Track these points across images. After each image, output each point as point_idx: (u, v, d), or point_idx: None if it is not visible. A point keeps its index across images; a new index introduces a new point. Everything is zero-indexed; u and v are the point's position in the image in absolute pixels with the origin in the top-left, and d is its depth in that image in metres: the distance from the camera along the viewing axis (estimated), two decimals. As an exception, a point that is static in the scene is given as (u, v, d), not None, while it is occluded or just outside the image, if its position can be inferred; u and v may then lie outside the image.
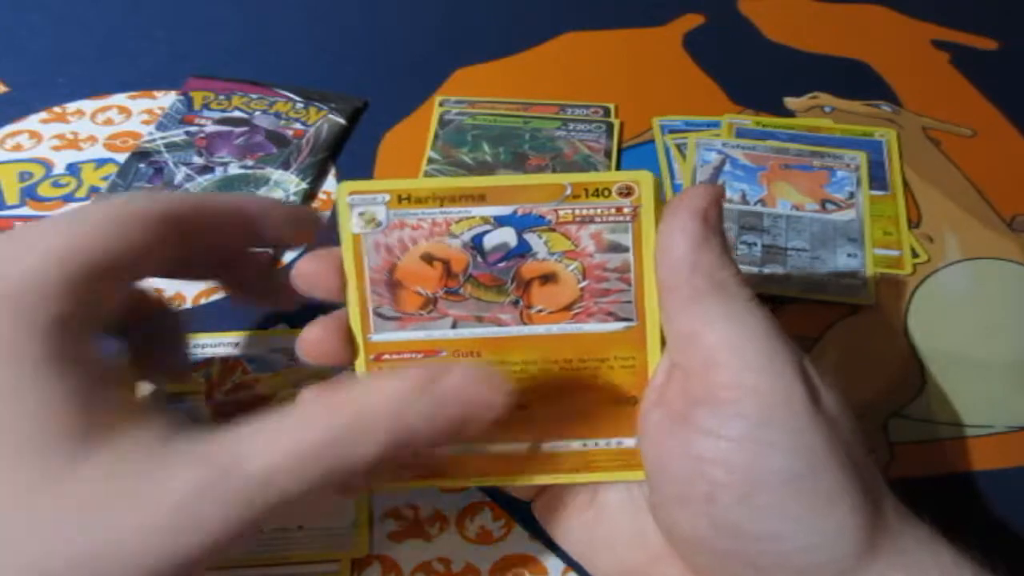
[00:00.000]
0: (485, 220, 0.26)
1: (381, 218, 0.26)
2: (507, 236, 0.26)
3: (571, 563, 0.34)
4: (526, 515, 0.35)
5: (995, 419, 0.39)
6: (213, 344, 0.41)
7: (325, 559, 0.34)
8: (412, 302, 0.27)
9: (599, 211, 0.26)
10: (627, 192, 0.26)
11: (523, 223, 0.26)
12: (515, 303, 0.27)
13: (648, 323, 0.26)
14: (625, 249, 0.26)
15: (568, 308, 0.27)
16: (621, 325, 0.27)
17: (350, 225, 0.26)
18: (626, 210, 0.26)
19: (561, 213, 0.26)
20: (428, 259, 0.26)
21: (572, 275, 0.26)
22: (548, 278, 0.26)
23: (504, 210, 0.26)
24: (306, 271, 0.27)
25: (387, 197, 0.26)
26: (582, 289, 0.26)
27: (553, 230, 0.26)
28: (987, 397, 0.40)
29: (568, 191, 0.26)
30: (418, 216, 0.26)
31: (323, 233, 0.28)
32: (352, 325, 0.27)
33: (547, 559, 0.35)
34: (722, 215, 0.25)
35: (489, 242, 0.26)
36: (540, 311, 0.27)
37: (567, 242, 0.26)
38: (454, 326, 0.27)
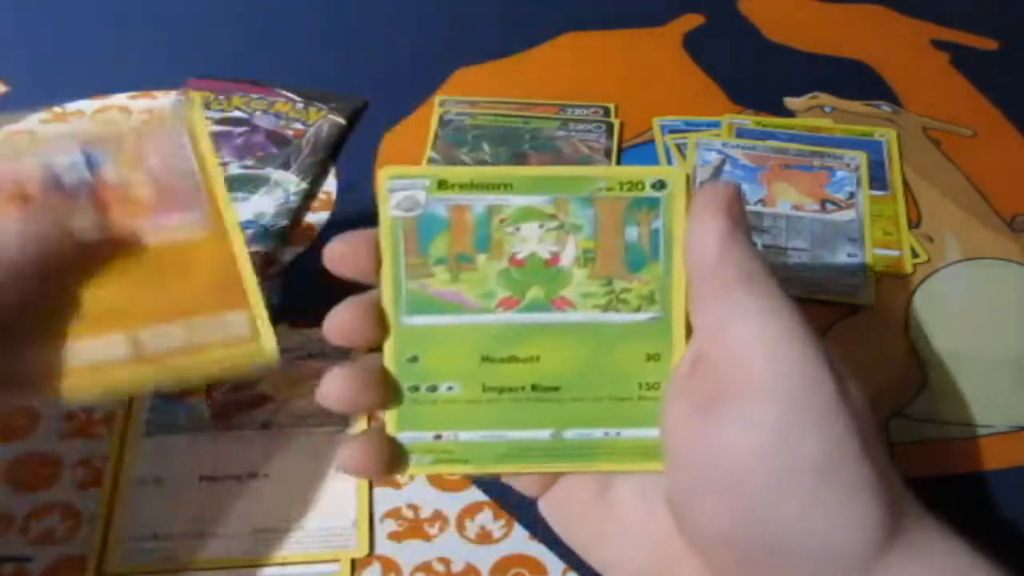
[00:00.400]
0: (526, 211, 0.27)
1: (421, 202, 0.26)
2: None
3: (571, 563, 0.34)
4: (526, 515, 0.35)
5: (996, 419, 0.39)
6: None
7: (325, 559, 0.34)
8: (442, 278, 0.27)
9: (632, 204, 0.26)
10: (660, 187, 0.26)
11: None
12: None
13: (675, 315, 0.27)
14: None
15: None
16: (648, 316, 0.27)
17: (389, 209, 0.26)
18: (658, 204, 0.26)
19: (596, 204, 0.27)
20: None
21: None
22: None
23: (540, 199, 0.26)
24: (338, 251, 0.27)
25: (427, 182, 0.26)
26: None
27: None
28: (988, 397, 0.40)
29: (603, 183, 0.26)
30: (457, 202, 0.26)
31: (353, 216, 0.28)
32: (385, 307, 0.27)
33: (547, 559, 0.35)
34: (744, 208, 0.26)
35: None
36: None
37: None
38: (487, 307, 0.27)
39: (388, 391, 0.27)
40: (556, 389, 0.27)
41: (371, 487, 0.37)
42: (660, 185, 0.26)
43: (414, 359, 0.27)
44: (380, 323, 0.27)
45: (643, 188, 0.26)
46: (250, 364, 0.30)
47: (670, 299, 0.27)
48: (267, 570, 0.34)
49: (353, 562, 0.35)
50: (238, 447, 0.37)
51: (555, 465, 0.28)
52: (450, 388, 0.27)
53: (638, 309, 0.27)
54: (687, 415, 0.25)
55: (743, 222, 0.25)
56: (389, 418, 0.28)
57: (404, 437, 0.28)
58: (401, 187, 0.27)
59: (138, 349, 0.29)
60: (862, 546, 0.23)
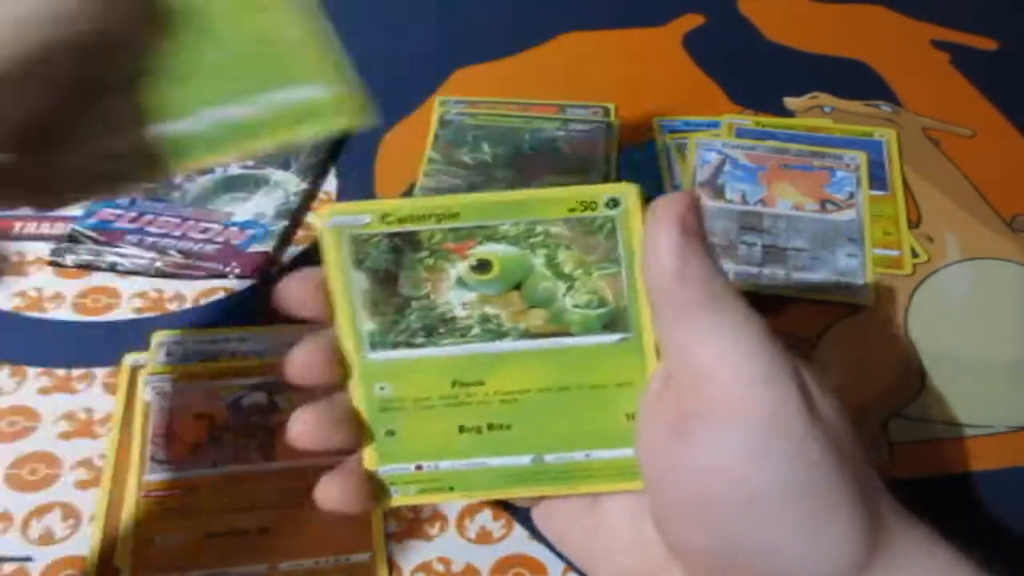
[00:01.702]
0: (471, 235, 0.26)
1: (366, 237, 0.26)
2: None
3: (571, 563, 0.34)
4: (526, 515, 0.35)
5: (995, 419, 0.39)
6: (220, 339, 0.41)
7: None
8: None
9: (587, 223, 0.26)
10: (614, 204, 0.26)
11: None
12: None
13: (644, 335, 0.26)
14: (616, 261, 0.26)
15: None
16: (617, 337, 0.26)
17: (333, 248, 0.26)
18: (614, 221, 0.26)
19: (552, 229, 0.26)
20: None
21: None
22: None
23: (492, 224, 0.26)
24: (291, 292, 0.26)
25: (368, 218, 0.26)
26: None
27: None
28: (987, 397, 0.40)
29: (556, 206, 0.26)
30: (404, 234, 0.26)
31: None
32: (343, 346, 0.27)
33: (547, 559, 0.35)
34: (703, 220, 0.25)
35: None
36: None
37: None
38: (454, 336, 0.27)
39: (361, 427, 0.27)
40: (532, 414, 0.27)
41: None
42: (614, 203, 0.26)
43: (384, 394, 0.27)
44: (342, 361, 0.27)
45: (596, 207, 0.26)
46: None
47: (638, 319, 0.26)
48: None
49: (353, 562, 0.35)
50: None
51: (538, 489, 0.28)
52: (425, 420, 0.27)
53: (606, 331, 0.27)
54: (659, 436, 0.25)
55: (700, 234, 0.24)
56: (367, 453, 0.27)
57: (384, 470, 0.27)
58: (344, 224, 0.26)
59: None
60: (839, 566, 0.23)
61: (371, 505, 0.27)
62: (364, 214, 0.26)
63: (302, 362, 0.26)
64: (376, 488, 0.27)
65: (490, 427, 0.27)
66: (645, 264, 0.25)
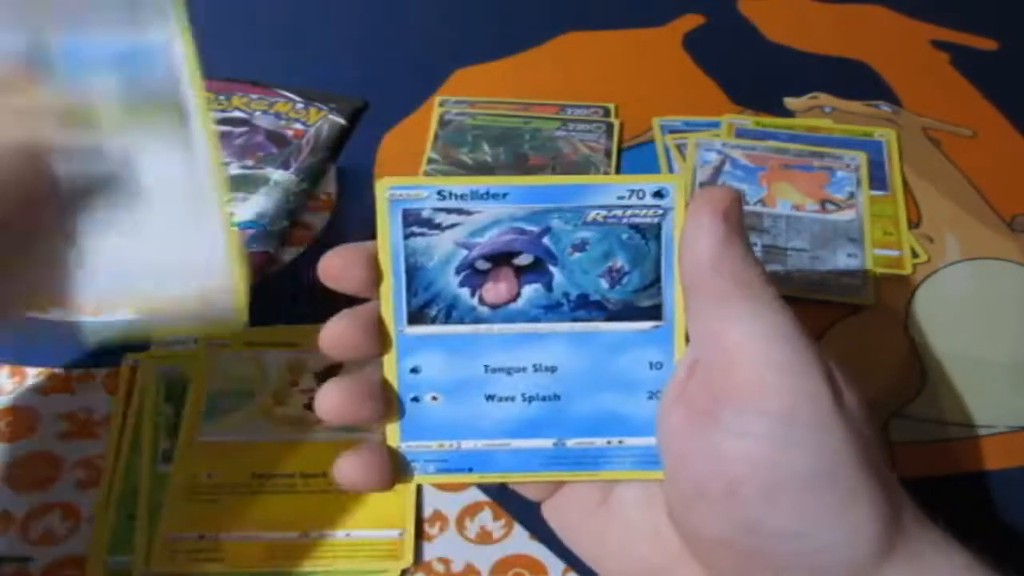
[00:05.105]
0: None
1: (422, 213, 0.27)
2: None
3: (571, 563, 0.34)
4: (526, 515, 0.35)
5: (996, 419, 0.40)
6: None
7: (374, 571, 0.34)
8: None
9: (632, 212, 0.26)
10: (659, 195, 0.26)
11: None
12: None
13: (677, 324, 0.27)
14: (657, 250, 0.27)
15: None
16: (650, 325, 0.27)
17: (388, 221, 0.26)
18: (659, 212, 0.26)
19: (594, 214, 0.26)
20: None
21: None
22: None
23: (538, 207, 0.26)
24: (334, 264, 0.26)
25: (425, 193, 0.26)
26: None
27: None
28: (988, 397, 0.40)
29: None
30: (459, 212, 0.26)
31: (354, 217, 0.27)
32: (384, 318, 0.27)
33: (547, 559, 0.35)
34: (742, 214, 0.25)
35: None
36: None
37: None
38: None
39: (388, 402, 0.27)
40: (558, 398, 0.27)
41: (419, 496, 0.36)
42: (660, 193, 0.26)
43: (415, 370, 0.27)
44: (379, 335, 0.27)
45: (644, 196, 0.26)
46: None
47: (673, 308, 0.27)
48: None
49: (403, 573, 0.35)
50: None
51: (558, 474, 0.28)
52: (452, 398, 0.27)
53: (641, 318, 0.27)
54: (683, 422, 0.25)
55: (740, 228, 0.25)
56: (390, 429, 0.27)
57: (406, 447, 0.27)
58: (399, 195, 0.26)
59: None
60: (859, 557, 0.23)
61: (390, 483, 0.27)
62: (423, 187, 0.26)
63: (337, 333, 0.26)
64: (397, 466, 0.28)
65: (515, 410, 0.27)
66: (683, 251, 0.26)
